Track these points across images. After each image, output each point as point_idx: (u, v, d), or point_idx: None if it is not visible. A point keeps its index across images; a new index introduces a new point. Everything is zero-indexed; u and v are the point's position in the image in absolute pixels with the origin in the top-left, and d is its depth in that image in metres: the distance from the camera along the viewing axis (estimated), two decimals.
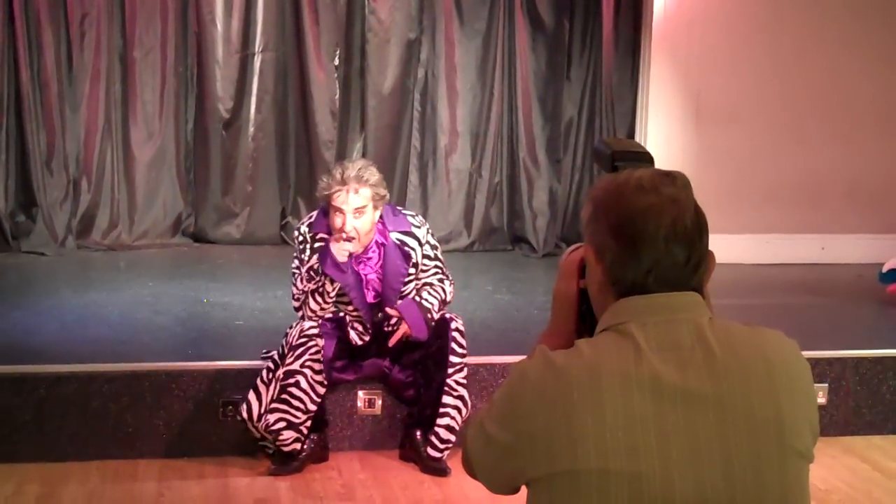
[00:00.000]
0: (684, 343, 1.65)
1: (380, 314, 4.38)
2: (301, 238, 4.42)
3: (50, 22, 7.31)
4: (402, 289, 4.41)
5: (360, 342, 4.44)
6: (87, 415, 4.51)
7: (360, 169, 4.30)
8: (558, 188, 8.17)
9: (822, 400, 5.11)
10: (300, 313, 4.38)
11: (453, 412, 4.41)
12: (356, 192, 4.27)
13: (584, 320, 1.84)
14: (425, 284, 4.44)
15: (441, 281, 4.48)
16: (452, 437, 4.40)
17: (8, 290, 6.21)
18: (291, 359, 4.29)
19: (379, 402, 4.68)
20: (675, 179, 1.71)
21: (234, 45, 7.65)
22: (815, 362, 4.83)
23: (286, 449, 4.29)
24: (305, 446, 4.38)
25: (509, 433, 1.67)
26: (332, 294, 4.32)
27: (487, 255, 8.01)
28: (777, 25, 7.76)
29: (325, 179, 4.32)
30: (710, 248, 1.72)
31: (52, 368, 4.58)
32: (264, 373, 4.34)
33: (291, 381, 4.31)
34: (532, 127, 8.11)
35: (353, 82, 7.83)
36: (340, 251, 4.27)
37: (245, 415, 4.32)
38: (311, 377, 4.28)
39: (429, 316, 4.36)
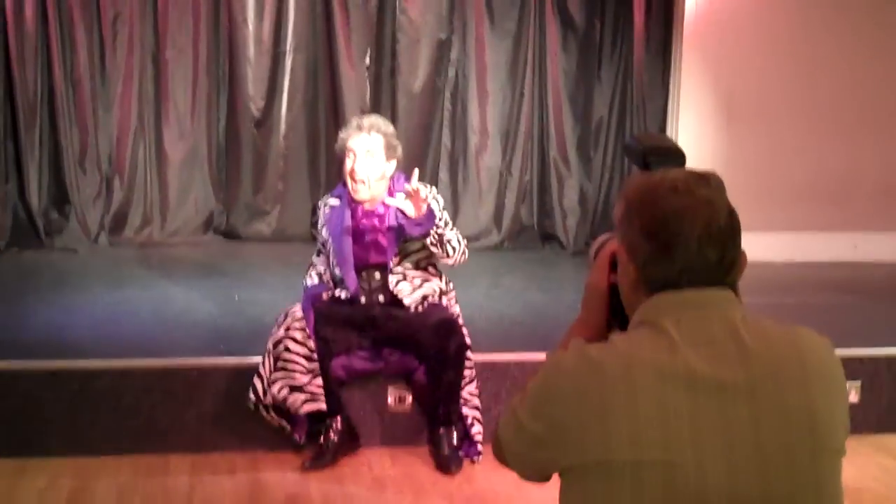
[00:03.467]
0: (717, 338, 1.66)
1: (364, 275, 4.39)
2: (318, 211, 4.56)
3: (83, 21, 7.35)
4: (406, 245, 4.40)
5: (350, 294, 4.43)
6: (120, 410, 4.52)
7: (375, 118, 4.43)
8: (589, 187, 8.14)
9: (854, 398, 5.06)
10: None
11: (470, 414, 4.48)
12: (368, 133, 4.35)
13: (614, 314, 1.85)
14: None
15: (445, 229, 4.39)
16: (479, 435, 4.42)
17: (41, 286, 6.21)
18: (276, 330, 4.34)
19: (409, 400, 4.67)
20: (708, 181, 1.72)
21: (265, 45, 7.67)
22: (847, 360, 4.51)
23: (304, 411, 4.25)
24: (331, 431, 4.37)
25: (541, 422, 1.69)
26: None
27: (517, 253, 7.97)
28: (809, 23, 7.73)
29: (343, 130, 4.44)
30: (742, 246, 1.73)
31: (85, 364, 4.58)
32: (264, 352, 4.33)
33: (280, 347, 4.31)
34: (563, 126, 8.10)
35: (383, 82, 7.83)
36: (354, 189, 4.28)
37: (253, 398, 4.32)
38: (299, 339, 4.31)
39: (429, 223, 4.34)
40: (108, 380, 4.53)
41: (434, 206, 4.30)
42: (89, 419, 4.50)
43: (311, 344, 4.28)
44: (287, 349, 4.30)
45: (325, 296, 4.45)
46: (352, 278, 4.41)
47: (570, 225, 8.12)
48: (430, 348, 4.36)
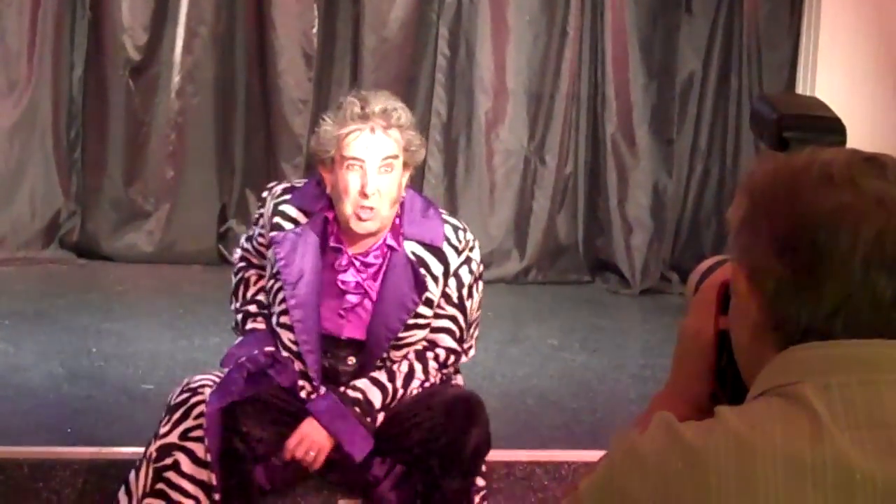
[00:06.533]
0: (892, 417, 1.48)
1: (330, 358, 3.98)
2: (267, 194, 4.06)
3: None
4: (401, 334, 3.97)
5: (310, 397, 3.97)
6: None
7: (387, 100, 3.99)
8: (669, 185, 7.64)
9: None
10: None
11: None
12: (384, 131, 3.93)
13: (722, 379, 1.69)
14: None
15: (438, 355, 3.97)
16: None
17: None
18: (166, 426, 3.96)
19: None
20: (884, 168, 1.54)
21: None
22: None
23: None
24: None
25: None
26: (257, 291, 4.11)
27: (552, 289, 7.51)
28: None
29: (328, 118, 3.98)
30: None
31: None
32: (142, 455, 4.08)
33: (168, 461, 3.95)
34: (628, 86, 7.61)
35: (340, 8, 7.47)
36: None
37: None
38: (199, 455, 3.91)
39: (367, 419, 3.91)
40: None
41: (453, 289, 3.91)
42: None
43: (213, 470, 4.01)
44: (176, 467, 3.92)
45: (257, 359, 3.96)
46: (314, 364, 3.98)
47: (636, 246, 7.57)
48: (434, 440, 3.92)
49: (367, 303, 4.10)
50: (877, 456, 1.46)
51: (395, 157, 3.97)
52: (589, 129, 7.72)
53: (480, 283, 4.14)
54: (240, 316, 4.22)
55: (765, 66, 7.49)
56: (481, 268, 4.17)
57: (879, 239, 1.50)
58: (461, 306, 4.10)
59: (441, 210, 4.23)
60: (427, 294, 4.09)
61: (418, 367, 4.08)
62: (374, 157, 3.92)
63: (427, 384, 4.09)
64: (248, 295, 4.24)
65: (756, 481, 1.45)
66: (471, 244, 4.10)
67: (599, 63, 7.66)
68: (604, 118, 7.63)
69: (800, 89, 7.31)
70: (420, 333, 4.11)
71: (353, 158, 3.91)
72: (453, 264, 4.04)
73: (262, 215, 4.16)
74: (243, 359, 4.07)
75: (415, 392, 4.07)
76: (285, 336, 4.08)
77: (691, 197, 7.67)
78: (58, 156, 7.41)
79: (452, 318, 4.10)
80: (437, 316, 4.12)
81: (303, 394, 4.09)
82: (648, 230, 7.63)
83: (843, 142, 1.72)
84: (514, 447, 4.64)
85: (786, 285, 1.53)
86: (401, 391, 4.04)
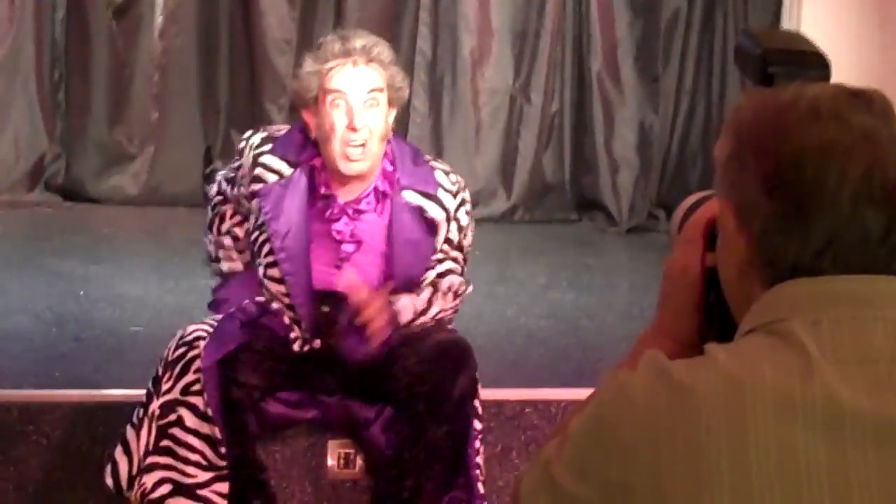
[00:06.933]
0: (881, 352, 1.49)
1: (325, 307, 3.97)
2: (244, 145, 4.02)
3: None
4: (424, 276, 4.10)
5: (304, 349, 4.00)
6: None
7: (368, 38, 4.00)
8: (655, 122, 7.65)
9: None
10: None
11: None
12: (367, 64, 3.92)
13: (710, 316, 1.69)
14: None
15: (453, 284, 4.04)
16: None
17: None
18: (168, 383, 3.93)
19: (360, 460, 4.33)
20: (870, 103, 1.54)
21: None
22: None
23: None
24: None
25: (592, 485, 1.52)
26: (242, 241, 4.03)
27: (539, 227, 7.59)
28: None
29: (309, 58, 3.98)
30: None
31: None
32: (137, 412, 4.04)
33: (171, 417, 3.95)
34: (613, 24, 7.58)
35: None
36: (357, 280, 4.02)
37: (110, 481, 3.98)
38: (202, 408, 3.93)
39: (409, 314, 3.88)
40: None
41: (454, 233, 3.93)
42: None
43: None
44: (181, 423, 3.92)
45: (248, 309, 4.01)
46: (307, 316, 3.99)
47: (623, 184, 7.61)
48: (421, 384, 3.95)
49: (362, 254, 4.08)
50: (866, 391, 1.48)
51: (381, 89, 3.95)
52: (574, 68, 7.71)
53: (473, 223, 4.16)
54: (212, 247, 4.19)
55: (750, 2, 7.45)
56: (470, 208, 4.18)
57: (867, 174, 1.50)
58: (461, 247, 4.13)
59: (426, 156, 4.23)
60: (439, 235, 4.13)
61: (438, 295, 4.10)
62: (358, 90, 3.90)
63: (442, 315, 4.08)
64: (224, 228, 4.20)
65: (746, 418, 1.46)
66: (462, 185, 4.13)
67: (584, 0, 7.61)
68: (589, 56, 7.63)
69: (785, 25, 7.26)
70: (428, 277, 4.17)
71: (337, 91, 3.89)
72: (451, 208, 4.06)
73: (241, 166, 4.10)
74: (234, 309, 4.07)
75: (430, 320, 4.07)
76: (274, 288, 4.07)
77: (677, 134, 7.69)
78: (41, 99, 7.39)
79: (455, 260, 4.13)
80: (440, 261, 4.13)
81: (295, 346, 4.07)
82: (635, 168, 7.64)
83: (828, 77, 1.72)
84: (502, 386, 4.65)
85: (774, 222, 1.53)
86: (428, 310, 4.01)
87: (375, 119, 3.93)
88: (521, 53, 7.60)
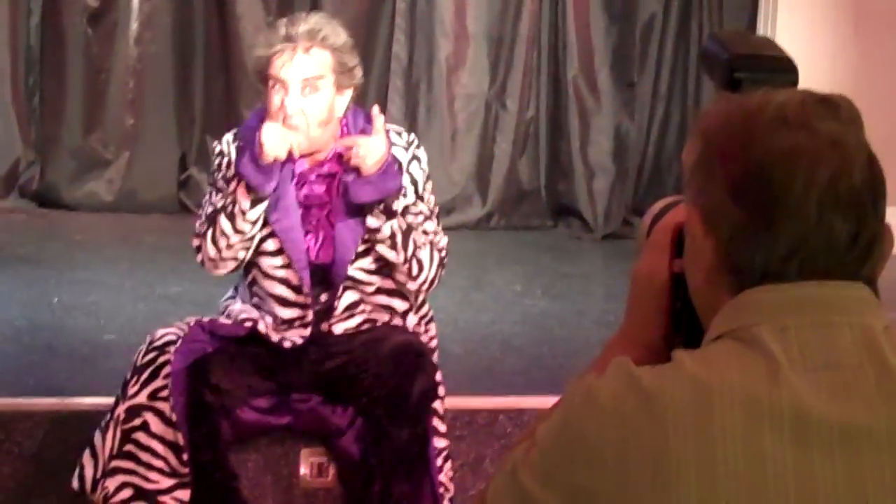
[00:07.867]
0: (847, 358, 1.50)
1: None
2: (220, 150, 4.09)
3: None
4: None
5: (293, 342, 3.97)
6: None
7: (316, 22, 4.02)
8: (630, 129, 7.67)
9: None
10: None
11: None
12: (306, 51, 3.96)
13: (678, 322, 1.69)
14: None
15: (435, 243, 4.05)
16: None
17: None
18: (135, 387, 3.94)
19: (332, 469, 4.31)
20: (837, 109, 1.55)
21: None
22: None
23: None
24: None
25: (559, 492, 1.53)
26: (250, 217, 3.89)
27: (514, 234, 7.58)
28: None
29: (261, 40, 4.08)
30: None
31: None
32: (106, 416, 4.03)
33: (136, 422, 3.95)
34: (589, 29, 7.55)
35: None
36: (277, 138, 3.85)
37: (76, 483, 4.00)
38: (169, 414, 3.95)
39: (390, 183, 3.84)
40: None
41: (415, 175, 3.96)
42: None
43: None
44: (145, 427, 3.93)
45: (225, 317, 4.07)
46: (308, 279, 3.97)
47: (598, 190, 7.58)
48: (380, 388, 3.98)
49: (334, 217, 4.05)
50: (832, 398, 1.48)
51: (319, 77, 3.97)
52: (550, 74, 7.68)
53: (430, 184, 4.12)
54: (209, 209, 4.05)
55: (725, 8, 7.44)
56: (425, 162, 4.14)
57: (834, 181, 1.50)
58: (421, 197, 4.11)
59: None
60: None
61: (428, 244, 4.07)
62: (294, 78, 3.94)
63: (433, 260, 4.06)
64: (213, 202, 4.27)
65: (713, 424, 1.45)
66: (416, 142, 4.14)
67: (560, 6, 7.58)
68: (565, 62, 7.59)
69: (760, 31, 7.22)
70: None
71: (276, 78, 3.95)
72: (404, 162, 4.06)
73: (220, 165, 4.08)
74: (206, 320, 4.08)
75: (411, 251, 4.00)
76: (266, 263, 4.06)
77: (653, 140, 7.67)
78: (16, 104, 7.32)
79: (423, 213, 4.09)
80: (405, 213, 4.11)
81: (275, 338, 4.02)
82: (610, 174, 7.61)
83: (796, 81, 1.71)
84: (476, 393, 4.63)
85: (741, 228, 1.53)
86: (404, 244, 3.97)
87: (314, 105, 3.95)
88: (497, 59, 7.57)
